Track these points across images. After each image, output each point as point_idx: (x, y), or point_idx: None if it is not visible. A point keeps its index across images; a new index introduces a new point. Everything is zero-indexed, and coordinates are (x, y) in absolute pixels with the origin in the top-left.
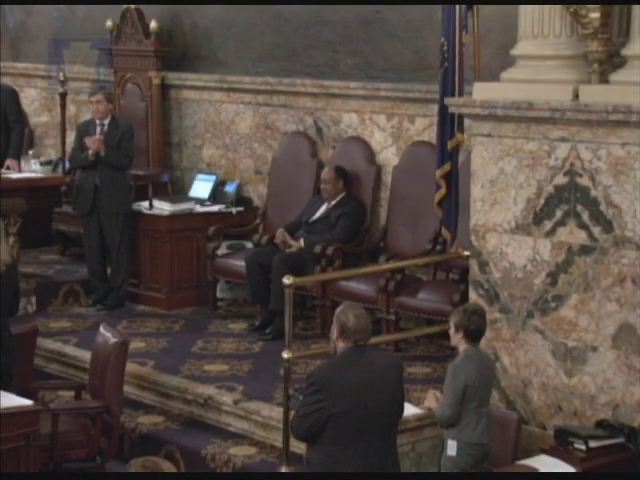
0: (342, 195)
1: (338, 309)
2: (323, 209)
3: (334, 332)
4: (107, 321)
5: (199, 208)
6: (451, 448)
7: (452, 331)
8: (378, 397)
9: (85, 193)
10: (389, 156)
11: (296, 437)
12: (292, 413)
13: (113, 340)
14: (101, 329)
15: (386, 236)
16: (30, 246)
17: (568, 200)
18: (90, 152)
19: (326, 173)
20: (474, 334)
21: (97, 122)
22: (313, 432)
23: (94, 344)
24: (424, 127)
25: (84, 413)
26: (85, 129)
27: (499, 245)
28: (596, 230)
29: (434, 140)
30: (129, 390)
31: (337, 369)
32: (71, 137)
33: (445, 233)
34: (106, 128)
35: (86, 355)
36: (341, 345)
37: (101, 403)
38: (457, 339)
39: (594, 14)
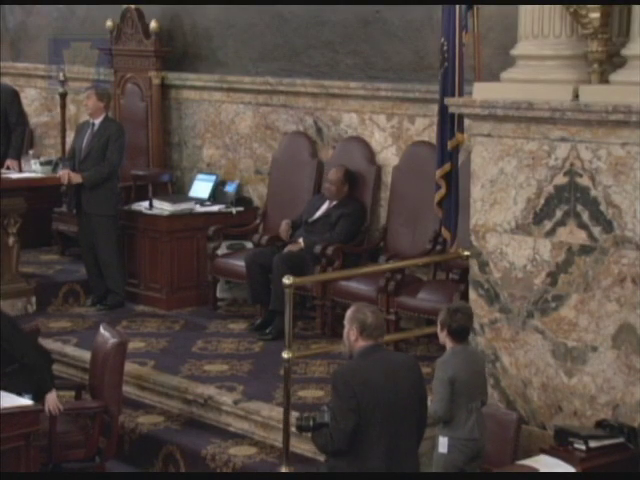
0: (344, 195)
1: (350, 311)
2: (324, 208)
3: (351, 334)
4: (107, 321)
5: (199, 208)
6: (442, 445)
7: (438, 329)
8: (397, 394)
9: (72, 194)
10: (389, 156)
11: (335, 450)
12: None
13: (112, 340)
14: (101, 329)
15: (386, 236)
16: (30, 246)
17: (568, 200)
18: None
19: (334, 174)
20: (457, 332)
21: (90, 122)
22: (354, 436)
23: (94, 344)
24: (424, 127)
25: (83, 413)
26: (80, 129)
27: (499, 245)
28: (596, 230)
29: (434, 140)
30: (129, 390)
31: (359, 365)
32: (71, 137)
33: (445, 233)
34: (96, 128)
35: (86, 355)
36: (361, 344)
37: (100, 403)
38: (443, 337)
39: (594, 14)
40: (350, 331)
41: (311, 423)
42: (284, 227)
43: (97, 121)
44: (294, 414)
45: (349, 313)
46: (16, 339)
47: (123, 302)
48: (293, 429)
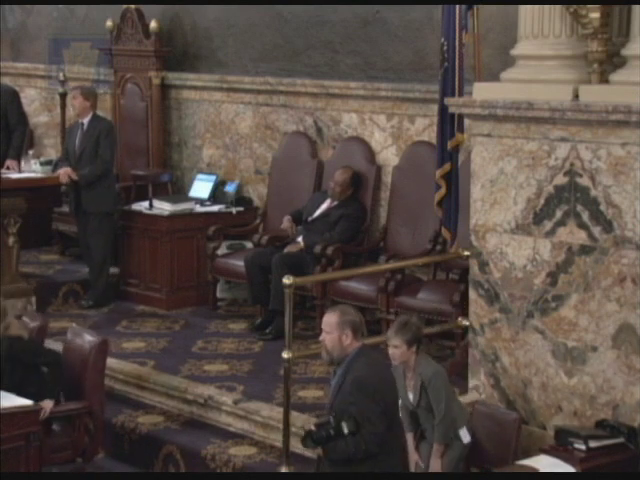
0: (346, 197)
1: (334, 317)
2: (324, 206)
3: (343, 338)
4: (106, 321)
5: (199, 208)
6: (464, 435)
7: (402, 349)
8: (396, 392)
9: (72, 195)
10: (389, 156)
11: (366, 455)
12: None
13: (92, 340)
14: (71, 329)
15: (386, 236)
16: (30, 246)
17: (568, 200)
18: (64, 183)
19: (340, 175)
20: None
21: (79, 122)
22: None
23: (64, 345)
24: (424, 127)
25: (67, 415)
26: (71, 130)
27: (499, 245)
28: (596, 230)
29: (434, 140)
30: (129, 390)
31: (372, 367)
32: None
33: (445, 233)
34: (86, 127)
35: None
36: (355, 345)
37: (84, 404)
38: (409, 354)
39: (594, 14)
40: (342, 336)
41: (331, 432)
42: (286, 223)
43: (85, 120)
44: (294, 414)
45: (335, 319)
46: (32, 347)
47: (109, 299)
48: (293, 429)
